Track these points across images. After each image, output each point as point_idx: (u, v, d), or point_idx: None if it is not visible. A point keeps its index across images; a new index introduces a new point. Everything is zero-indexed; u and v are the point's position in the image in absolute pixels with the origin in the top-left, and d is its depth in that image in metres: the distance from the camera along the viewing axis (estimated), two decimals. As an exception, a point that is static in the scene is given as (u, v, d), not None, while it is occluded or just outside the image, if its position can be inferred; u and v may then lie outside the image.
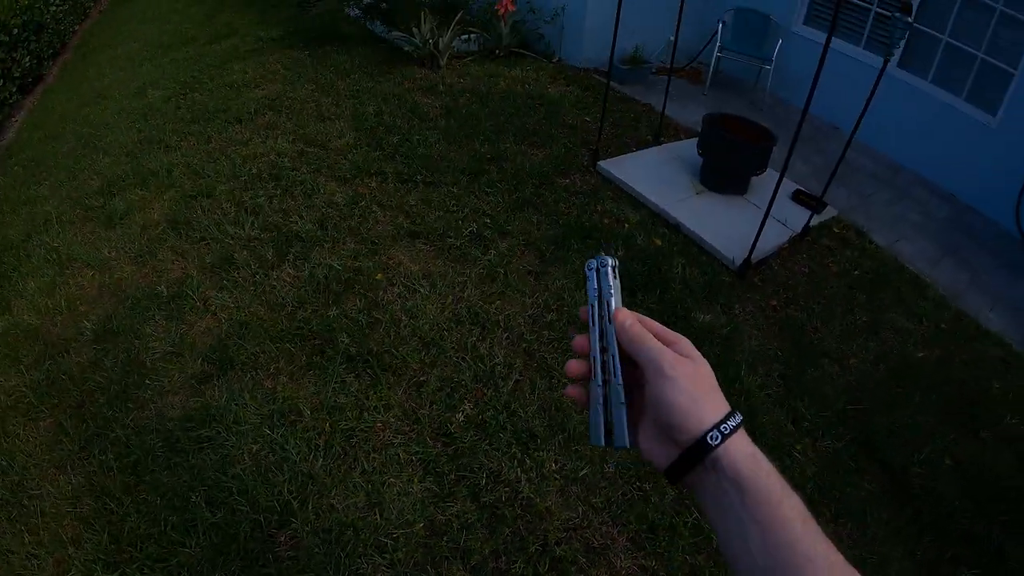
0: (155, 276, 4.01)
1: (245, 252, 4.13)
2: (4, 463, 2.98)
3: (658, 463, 0.68)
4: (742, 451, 0.63)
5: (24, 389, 3.32)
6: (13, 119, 7.27)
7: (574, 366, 0.75)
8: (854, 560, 0.61)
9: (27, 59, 7.60)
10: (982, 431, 3.51)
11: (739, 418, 0.65)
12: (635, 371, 0.70)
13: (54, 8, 8.51)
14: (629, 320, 0.71)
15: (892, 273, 4.58)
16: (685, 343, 0.70)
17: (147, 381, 3.32)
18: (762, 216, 4.06)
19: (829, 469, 3.18)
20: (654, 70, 7.21)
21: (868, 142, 6.17)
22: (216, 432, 3.05)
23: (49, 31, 8.32)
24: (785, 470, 3.04)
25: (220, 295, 3.82)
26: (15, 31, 7.12)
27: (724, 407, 0.66)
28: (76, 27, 9.84)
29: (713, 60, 6.93)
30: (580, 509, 2.88)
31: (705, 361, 0.69)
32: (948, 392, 3.70)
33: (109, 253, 4.21)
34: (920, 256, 4.87)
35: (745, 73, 7.34)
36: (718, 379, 0.66)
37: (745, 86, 7.36)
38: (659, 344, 0.68)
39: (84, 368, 3.43)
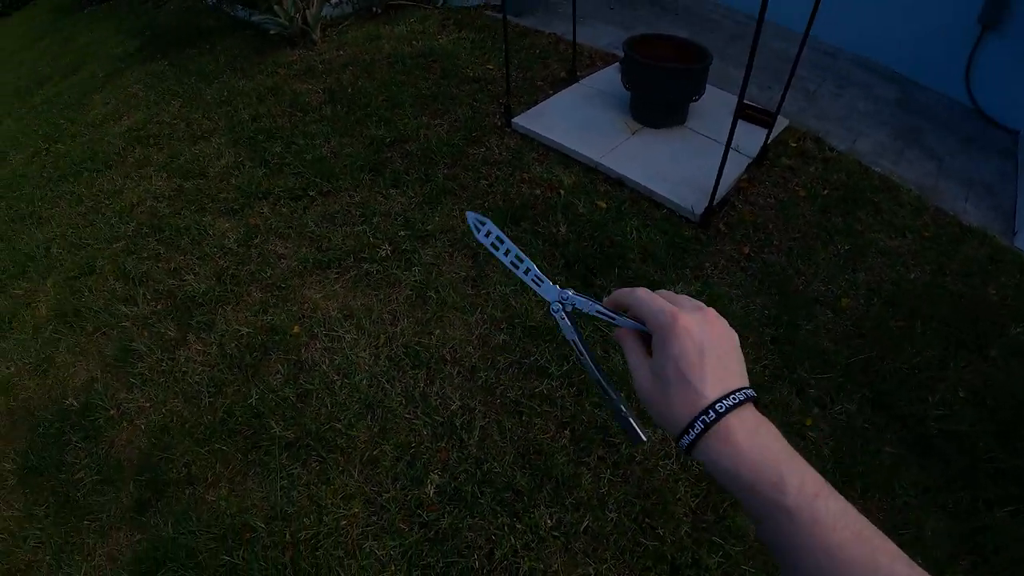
0: (60, 387, 3.38)
1: (145, 334, 3.46)
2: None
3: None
4: (736, 418, 0.58)
5: None
6: None
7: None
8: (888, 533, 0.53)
9: None
10: (989, 349, 3.11)
11: (735, 399, 0.58)
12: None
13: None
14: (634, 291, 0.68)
15: (862, 183, 4.02)
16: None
17: (85, 522, 2.81)
18: (712, 147, 3.45)
19: (846, 441, 2.77)
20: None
21: (797, 28, 5.56)
22: (174, 572, 2.56)
23: None
24: (801, 454, 2.60)
25: (131, 396, 3.20)
26: None
27: (712, 390, 0.59)
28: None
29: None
30: (591, 567, 2.40)
31: (720, 322, 0.65)
32: (946, 313, 3.27)
33: (8, 369, 3.55)
34: (882, 152, 4.37)
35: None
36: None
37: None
38: (666, 306, 0.64)
39: (20, 521, 2.91)
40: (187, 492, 2.80)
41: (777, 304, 3.31)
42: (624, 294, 0.68)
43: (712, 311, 0.65)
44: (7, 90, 7.36)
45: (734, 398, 0.58)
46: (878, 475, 2.66)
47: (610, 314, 0.70)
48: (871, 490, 2.62)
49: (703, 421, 0.57)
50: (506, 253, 0.75)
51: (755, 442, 0.56)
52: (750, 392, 0.59)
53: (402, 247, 3.66)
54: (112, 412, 3.18)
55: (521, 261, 0.74)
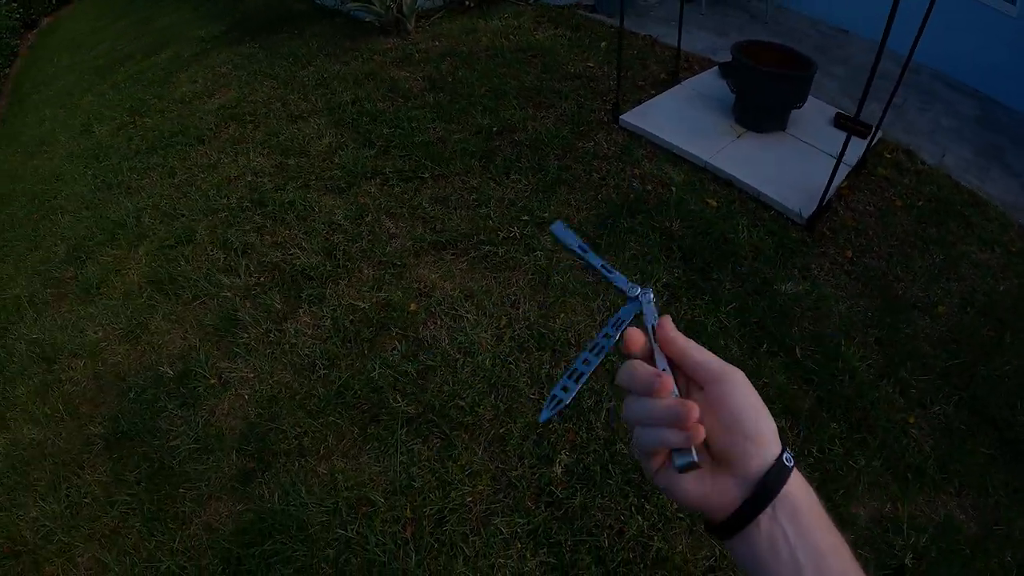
0: (153, 354, 3.39)
1: (248, 304, 3.47)
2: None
3: (718, 505, 0.54)
4: (797, 479, 0.53)
5: (47, 523, 2.78)
6: (-42, 186, 6.38)
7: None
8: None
9: (-42, 120, 6.68)
10: (1075, 360, 3.18)
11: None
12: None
13: (-22, 59, 7.52)
14: (675, 331, 0.60)
15: (952, 197, 4.11)
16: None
17: (181, 490, 2.78)
18: (812, 154, 3.74)
19: (944, 440, 2.84)
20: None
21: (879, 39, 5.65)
22: (281, 544, 2.52)
23: (-22, 84, 7.36)
24: (904, 450, 2.76)
25: (233, 365, 3.20)
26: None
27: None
28: (7, 71, 8.80)
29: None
30: (716, 548, 2.41)
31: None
32: (1034, 325, 3.36)
33: (95, 333, 3.58)
34: (967, 168, 4.49)
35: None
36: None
37: None
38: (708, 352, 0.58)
39: (107, 487, 2.88)
40: (297, 464, 2.77)
41: (879, 308, 3.38)
42: (675, 339, 0.61)
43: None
44: (86, 67, 7.51)
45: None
46: (972, 474, 2.72)
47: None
48: (966, 488, 2.68)
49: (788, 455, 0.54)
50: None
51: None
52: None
53: (522, 232, 3.67)
54: (213, 381, 3.18)
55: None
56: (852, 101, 4.85)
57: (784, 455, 0.53)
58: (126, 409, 3.17)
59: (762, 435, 0.53)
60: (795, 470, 0.53)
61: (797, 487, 0.52)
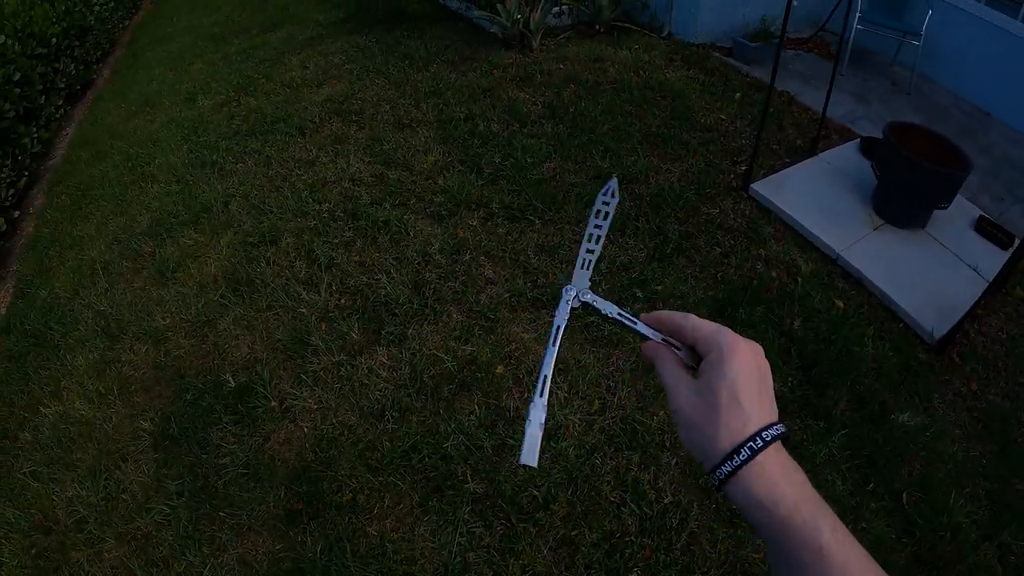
0: (218, 357, 3.32)
1: (324, 328, 3.33)
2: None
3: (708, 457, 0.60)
4: (772, 453, 0.57)
5: (81, 508, 2.77)
6: (64, 132, 6.45)
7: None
8: None
9: (72, 66, 6.74)
10: None
11: (776, 430, 0.58)
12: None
13: (99, 8, 7.63)
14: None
15: None
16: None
17: (221, 514, 2.69)
18: (951, 261, 3.67)
19: None
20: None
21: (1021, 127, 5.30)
22: (317, 603, 2.38)
23: (95, 32, 7.47)
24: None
25: (298, 392, 3.07)
26: (53, 40, 6.17)
27: (759, 419, 0.58)
28: (127, 22, 9.02)
29: (852, 32, 5.58)
30: None
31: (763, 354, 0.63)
32: None
33: (163, 320, 3.55)
34: None
35: (881, 46, 6.03)
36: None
37: (882, 61, 6.10)
38: (710, 323, 0.64)
39: (147, 488, 2.83)
40: (347, 519, 2.63)
41: (996, 455, 3.02)
42: (677, 316, 0.67)
43: (758, 344, 0.63)
44: (202, 33, 7.59)
45: (776, 429, 0.57)
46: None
47: (631, 319, 0.69)
48: None
49: (750, 448, 0.56)
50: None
51: (791, 478, 0.56)
52: (785, 429, 0.59)
53: (632, 305, 3.41)
54: (273, 404, 3.07)
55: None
56: (992, 200, 4.50)
57: (745, 446, 0.56)
58: (180, 411, 3.11)
59: (729, 425, 0.57)
60: (772, 448, 0.56)
61: (771, 457, 0.56)
